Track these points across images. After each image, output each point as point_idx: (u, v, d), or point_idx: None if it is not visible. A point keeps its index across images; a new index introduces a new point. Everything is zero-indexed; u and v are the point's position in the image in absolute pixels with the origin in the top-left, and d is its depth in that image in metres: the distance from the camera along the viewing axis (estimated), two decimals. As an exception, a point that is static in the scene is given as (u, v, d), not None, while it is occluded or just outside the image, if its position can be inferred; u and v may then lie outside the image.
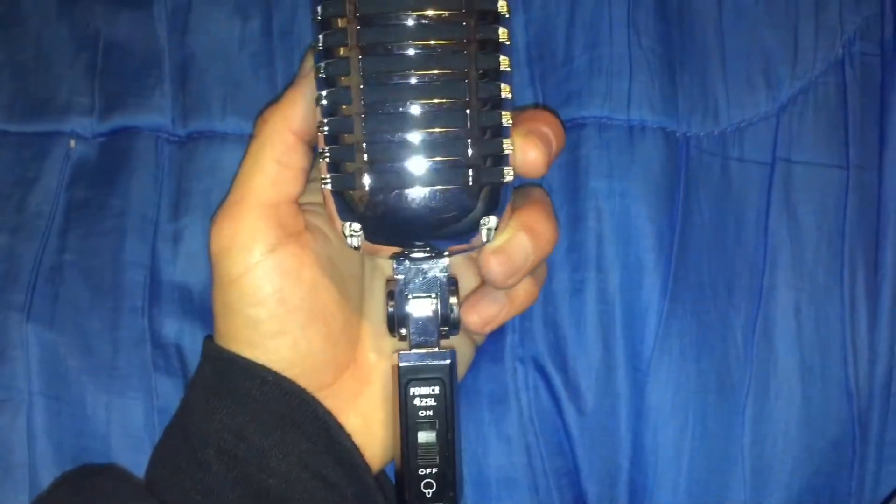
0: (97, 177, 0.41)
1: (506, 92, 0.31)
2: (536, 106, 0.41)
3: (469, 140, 0.31)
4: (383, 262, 0.38)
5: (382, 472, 0.38)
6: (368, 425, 0.36)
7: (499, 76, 0.31)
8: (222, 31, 0.42)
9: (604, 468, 0.39)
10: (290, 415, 0.34)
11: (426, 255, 0.33)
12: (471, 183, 0.31)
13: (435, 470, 0.34)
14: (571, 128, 0.41)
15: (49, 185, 0.40)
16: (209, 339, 0.36)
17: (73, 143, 0.41)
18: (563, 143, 0.35)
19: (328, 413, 0.35)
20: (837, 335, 0.39)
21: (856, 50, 0.41)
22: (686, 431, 0.39)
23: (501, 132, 0.32)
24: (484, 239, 0.32)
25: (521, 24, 0.41)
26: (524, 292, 0.36)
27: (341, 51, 0.31)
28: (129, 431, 0.39)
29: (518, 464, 0.39)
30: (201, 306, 0.40)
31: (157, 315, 0.39)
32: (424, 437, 0.34)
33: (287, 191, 0.35)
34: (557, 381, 0.39)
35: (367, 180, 0.31)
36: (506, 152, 0.32)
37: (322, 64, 0.31)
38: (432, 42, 0.30)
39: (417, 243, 0.32)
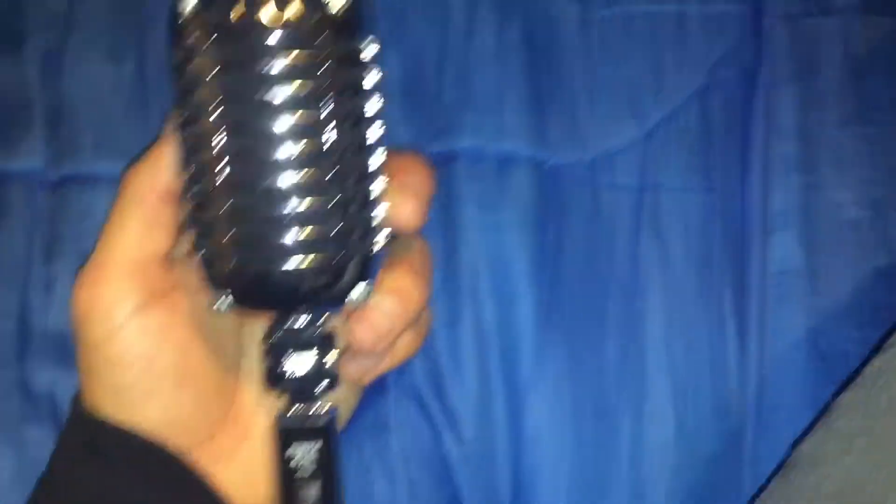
0: None
1: (376, 160, 0.30)
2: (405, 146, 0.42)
3: (338, 212, 0.29)
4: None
5: None
6: (250, 479, 0.35)
7: (367, 146, 0.30)
8: (95, 74, 0.42)
9: (486, 496, 0.40)
10: (160, 476, 0.33)
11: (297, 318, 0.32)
12: (340, 256, 0.29)
13: None
14: (444, 160, 0.41)
15: None
16: (77, 398, 0.35)
17: None
18: (434, 188, 0.33)
19: (195, 472, 0.34)
20: (707, 356, 0.40)
21: (719, 76, 0.43)
22: (564, 455, 0.39)
23: (370, 201, 0.30)
24: (354, 306, 0.31)
25: (393, 58, 0.42)
26: (403, 346, 0.35)
27: (195, 107, 0.29)
28: None
29: (401, 496, 0.39)
30: None
31: (29, 365, 0.39)
32: (306, 496, 0.33)
33: (154, 249, 0.33)
34: (436, 409, 0.39)
35: (233, 252, 0.29)
36: (376, 222, 0.31)
37: (180, 126, 0.30)
38: (290, 99, 0.28)
39: (286, 310, 0.31)
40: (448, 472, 0.39)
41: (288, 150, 0.28)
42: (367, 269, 0.30)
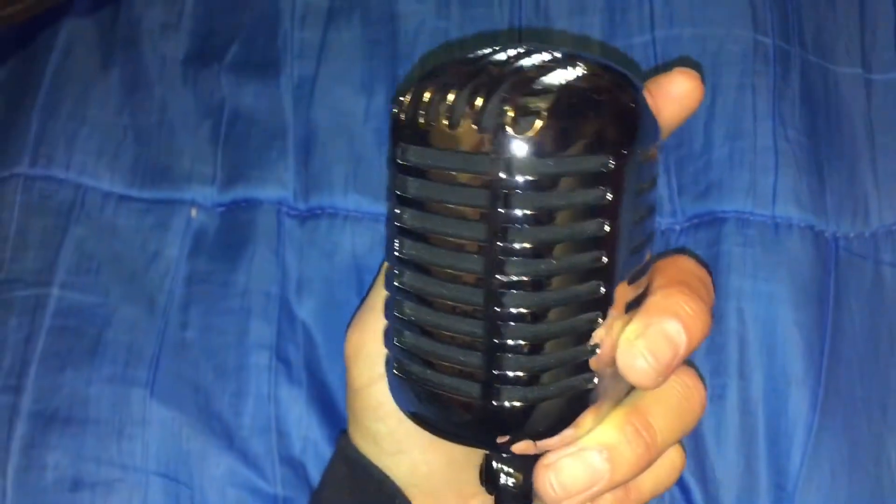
0: (218, 248, 0.40)
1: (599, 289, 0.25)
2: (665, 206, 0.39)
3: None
4: None
5: None
6: None
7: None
8: (347, 105, 0.42)
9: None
10: None
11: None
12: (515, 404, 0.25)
13: None
14: (711, 222, 0.38)
15: (170, 254, 0.40)
16: (344, 434, 0.34)
17: (194, 211, 0.41)
18: (708, 330, 0.27)
19: None
20: None
21: None
22: None
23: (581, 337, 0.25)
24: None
25: None
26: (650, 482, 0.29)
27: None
28: None
29: None
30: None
31: (284, 399, 0.38)
32: None
33: None
34: (697, 494, 0.36)
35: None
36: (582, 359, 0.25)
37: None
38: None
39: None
40: None
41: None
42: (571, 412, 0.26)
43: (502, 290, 0.24)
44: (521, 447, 0.26)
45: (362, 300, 0.33)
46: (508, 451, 0.26)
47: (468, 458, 0.32)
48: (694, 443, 0.37)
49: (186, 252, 0.40)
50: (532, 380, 0.25)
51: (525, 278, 0.24)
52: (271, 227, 0.40)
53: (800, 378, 0.36)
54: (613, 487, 0.27)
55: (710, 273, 0.30)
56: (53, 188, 0.41)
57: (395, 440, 0.31)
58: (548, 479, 0.26)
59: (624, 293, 0.25)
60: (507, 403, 0.25)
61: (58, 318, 0.39)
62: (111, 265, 0.39)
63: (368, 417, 0.32)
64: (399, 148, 0.25)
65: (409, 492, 0.32)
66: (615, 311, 0.25)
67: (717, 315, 0.37)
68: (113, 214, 0.40)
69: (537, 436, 0.26)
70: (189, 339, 0.38)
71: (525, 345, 0.25)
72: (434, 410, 0.26)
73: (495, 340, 0.25)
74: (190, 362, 0.38)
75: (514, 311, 0.24)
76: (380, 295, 0.30)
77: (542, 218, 0.24)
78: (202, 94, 0.42)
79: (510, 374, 0.25)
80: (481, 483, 0.29)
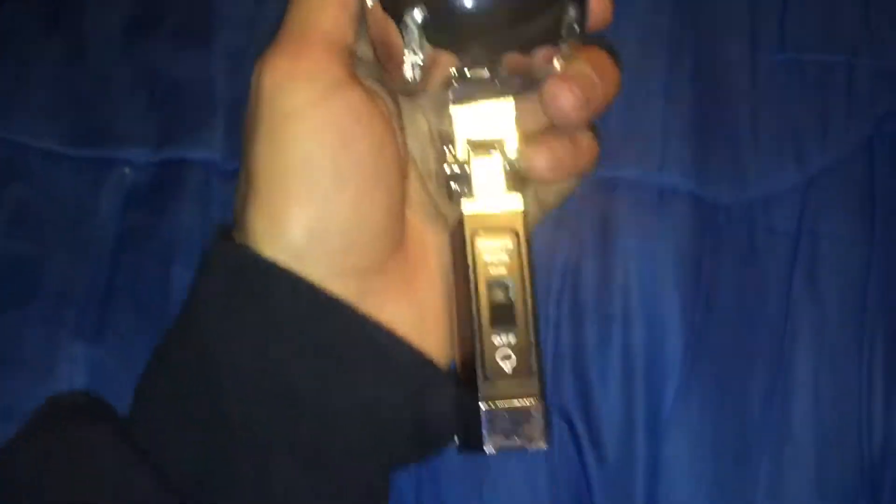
0: (148, 204, 0.43)
1: None
2: None
3: None
4: (424, 123, 0.34)
5: None
6: (422, 320, 0.32)
7: None
8: None
9: (620, 522, 0.40)
10: (334, 340, 0.30)
11: (489, 69, 0.29)
12: None
13: (512, 338, 0.29)
14: (605, 187, 0.42)
15: (104, 208, 0.42)
16: (226, 239, 0.32)
17: (128, 170, 0.43)
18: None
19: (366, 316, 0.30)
20: (854, 408, 0.40)
21: (886, 128, 0.42)
22: (700, 491, 0.39)
23: None
24: (565, 33, 0.29)
25: None
26: (587, 144, 0.34)
27: None
28: None
29: None
30: None
31: None
32: (497, 296, 0.29)
33: (347, 36, 0.32)
34: (581, 430, 0.40)
35: None
36: None
37: None
38: None
39: (489, 44, 0.28)
40: (589, 491, 0.40)
41: None
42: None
43: None
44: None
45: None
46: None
47: (399, 200, 0.32)
48: (581, 385, 0.40)
49: (119, 207, 0.43)
50: None
51: None
52: (200, 185, 0.43)
53: (676, 327, 0.40)
54: (599, 110, 0.32)
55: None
56: None
57: (336, 172, 0.30)
58: (566, 86, 0.31)
59: None
60: None
61: None
62: (47, 218, 0.42)
63: (306, 142, 0.30)
64: None
65: (344, 241, 0.30)
66: None
67: (605, 272, 0.41)
68: (50, 171, 0.43)
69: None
70: (117, 285, 0.41)
71: None
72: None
73: None
74: (118, 307, 0.41)
75: None
76: (307, 26, 0.32)
77: None
78: (139, 61, 0.45)
79: None
80: (447, 191, 0.31)
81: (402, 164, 0.33)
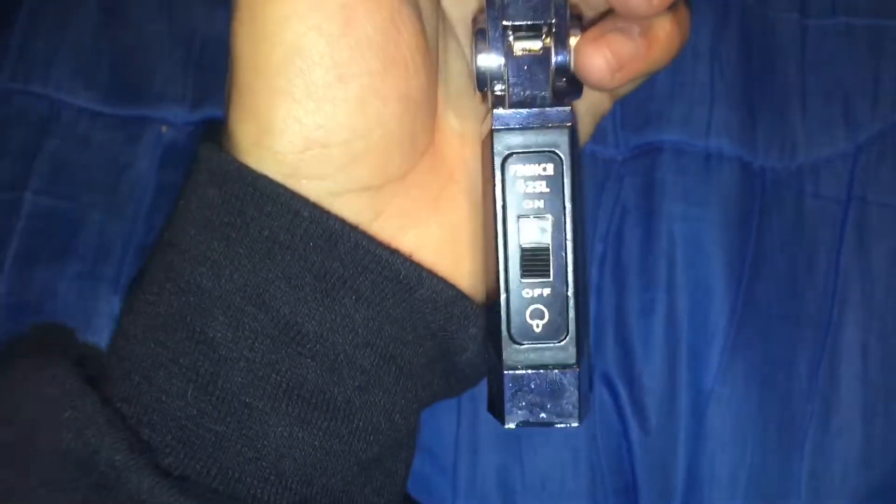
0: (184, 163, 0.42)
1: None
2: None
3: None
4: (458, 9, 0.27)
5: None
6: (454, 243, 0.26)
7: None
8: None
9: (660, 490, 0.39)
10: (340, 271, 0.24)
11: None
12: None
13: (547, 291, 0.23)
14: (649, 151, 0.41)
15: (140, 166, 0.42)
16: (212, 147, 0.27)
17: (164, 128, 0.43)
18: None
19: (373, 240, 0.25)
20: None
21: None
22: (743, 461, 0.39)
23: None
24: None
25: None
26: (664, 33, 0.26)
27: None
28: None
29: (583, 476, 0.39)
30: None
31: None
32: (530, 238, 0.23)
33: None
34: (624, 397, 0.39)
35: None
36: None
37: None
38: None
39: None
40: (630, 459, 0.39)
41: None
42: None
43: None
44: None
45: None
46: None
47: (425, 97, 0.26)
48: (623, 352, 0.40)
49: (156, 165, 0.42)
50: None
51: None
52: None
53: (721, 293, 0.39)
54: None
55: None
56: (31, 102, 0.43)
57: (338, 57, 0.24)
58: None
59: None
60: None
61: (31, 220, 0.41)
62: (83, 175, 0.42)
63: (304, 18, 0.24)
64: None
65: (354, 148, 0.24)
66: None
67: (649, 237, 0.40)
68: (87, 129, 0.43)
69: None
70: (153, 242, 0.41)
71: None
72: None
73: None
74: None
75: None
76: None
77: None
78: (176, 20, 0.45)
79: None
80: (479, 88, 0.24)
81: (426, 46, 0.25)
